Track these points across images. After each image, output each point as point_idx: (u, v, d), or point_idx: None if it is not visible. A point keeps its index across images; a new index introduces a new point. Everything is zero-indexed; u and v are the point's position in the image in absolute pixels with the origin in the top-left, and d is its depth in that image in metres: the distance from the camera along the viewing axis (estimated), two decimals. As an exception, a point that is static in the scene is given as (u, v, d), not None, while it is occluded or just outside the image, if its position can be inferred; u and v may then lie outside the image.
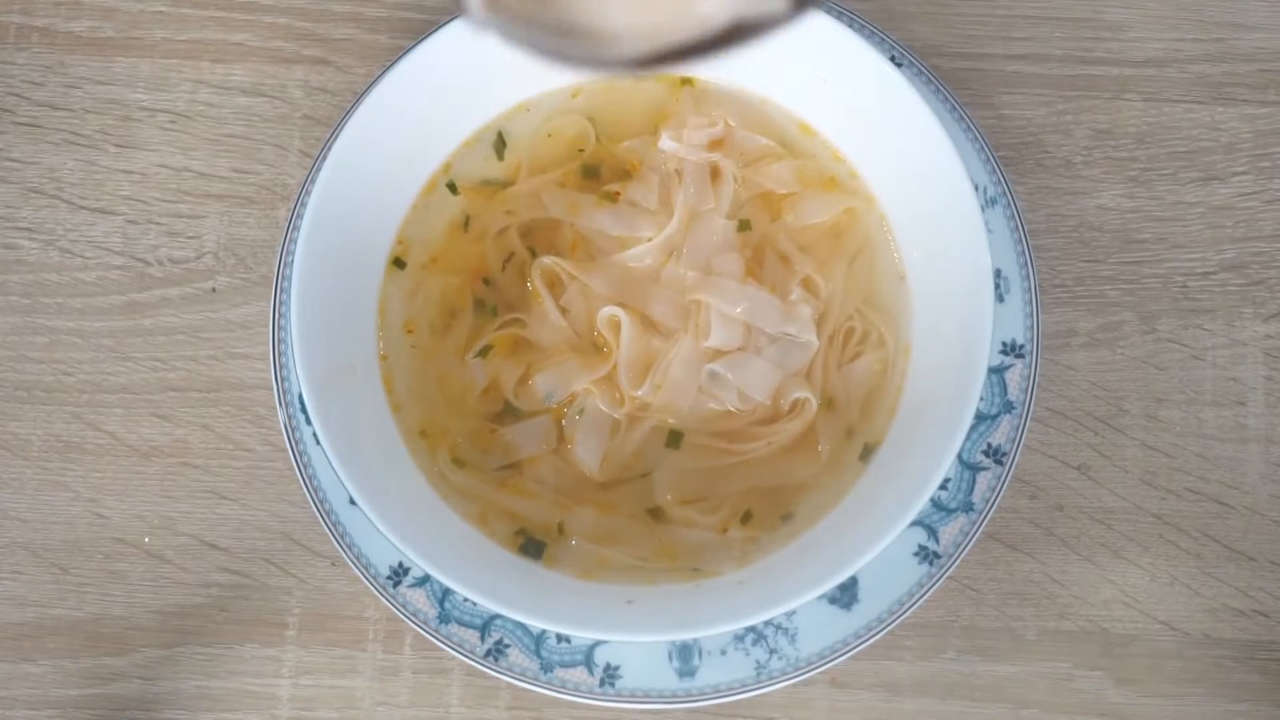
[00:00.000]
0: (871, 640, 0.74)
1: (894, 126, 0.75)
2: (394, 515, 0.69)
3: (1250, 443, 0.81)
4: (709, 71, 0.80)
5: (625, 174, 0.80)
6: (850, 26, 0.75)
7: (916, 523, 0.76)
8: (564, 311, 0.77)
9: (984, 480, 0.76)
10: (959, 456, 0.76)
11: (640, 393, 0.75)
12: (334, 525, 0.76)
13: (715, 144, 0.79)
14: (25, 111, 0.87)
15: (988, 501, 0.76)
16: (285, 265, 0.79)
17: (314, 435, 0.75)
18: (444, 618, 0.75)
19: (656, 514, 0.75)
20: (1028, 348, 0.78)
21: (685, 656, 0.75)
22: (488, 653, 0.75)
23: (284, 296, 0.78)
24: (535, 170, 0.80)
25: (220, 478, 0.82)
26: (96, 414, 0.82)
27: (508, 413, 0.77)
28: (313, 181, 0.74)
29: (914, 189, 0.75)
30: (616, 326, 0.76)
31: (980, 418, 0.77)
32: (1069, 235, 0.84)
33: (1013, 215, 0.79)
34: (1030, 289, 0.78)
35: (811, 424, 0.76)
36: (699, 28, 0.43)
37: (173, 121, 0.87)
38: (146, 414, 0.82)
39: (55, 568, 0.81)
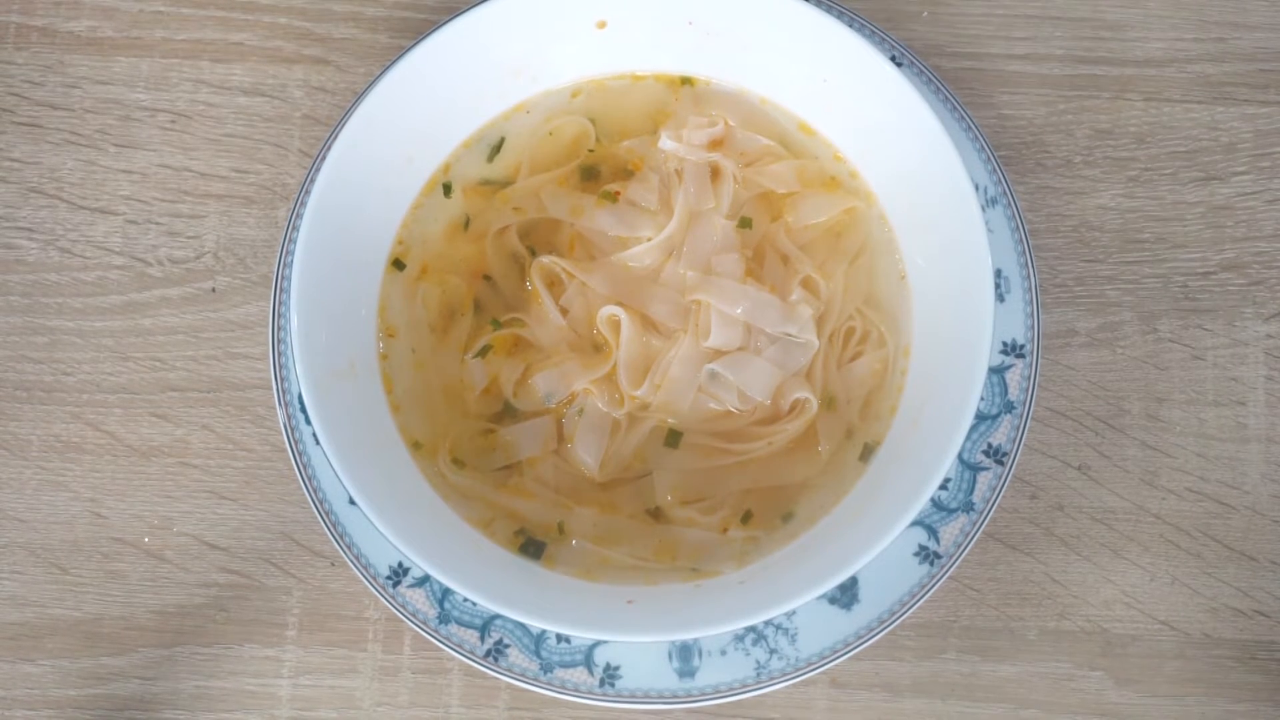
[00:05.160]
0: (871, 640, 0.74)
1: (894, 126, 0.75)
2: (393, 515, 0.69)
3: (1251, 442, 0.81)
4: (709, 71, 0.80)
5: (625, 174, 0.80)
6: (850, 26, 0.75)
7: (917, 523, 0.76)
8: (563, 311, 0.77)
9: (984, 480, 0.76)
10: (959, 456, 0.76)
11: (640, 392, 0.75)
12: (334, 525, 0.76)
13: (715, 144, 0.79)
14: (25, 111, 0.87)
15: (988, 501, 0.76)
16: (285, 265, 0.79)
17: (314, 435, 0.75)
18: (444, 618, 0.75)
19: (656, 514, 0.75)
20: (1028, 347, 0.78)
21: (685, 656, 0.75)
22: (488, 653, 0.75)
23: (284, 296, 0.78)
24: (535, 170, 0.80)
25: (220, 478, 0.82)
26: (96, 414, 0.82)
27: (507, 413, 0.77)
28: (312, 181, 0.74)
29: (914, 189, 0.75)
30: (616, 326, 0.76)
31: (980, 418, 0.77)
32: (1069, 235, 0.84)
33: (1013, 215, 0.79)
34: (1030, 289, 0.78)
35: (812, 424, 0.75)
36: None
37: (173, 121, 0.87)
38: (146, 414, 0.82)
39: (54, 568, 0.81)
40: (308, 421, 0.72)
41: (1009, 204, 0.79)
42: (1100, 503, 0.80)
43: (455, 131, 0.80)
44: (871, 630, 0.74)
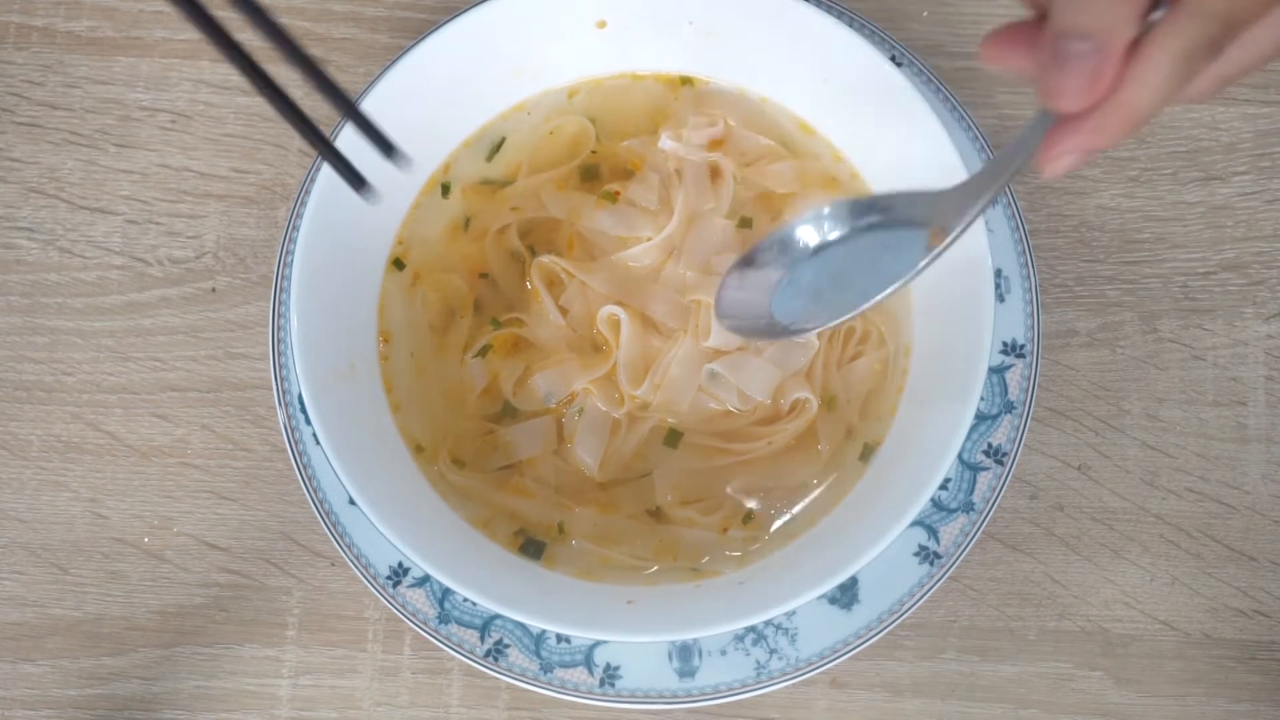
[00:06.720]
0: (871, 640, 0.74)
1: (894, 126, 0.74)
2: (393, 515, 0.69)
3: (1251, 443, 0.81)
4: (709, 71, 0.80)
5: (625, 174, 0.80)
6: (850, 26, 0.75)
7: (917, 523, 0.76)
8: (563, 311, 0.77)
9: (984, 480, 0.76)
10: (959, 456, 0.76)
11: (640, 392, 0.75)
12: (334, 525, 0.76)
13: (715, 144, 0.79)
14: (25, 111, 0.87)
15: (988, 501, 0.76)
16: (285, 265, 0.79)
17: (314, 435, 0.75)
18: (444, 618, 0.75)
19: (656, 514, 0.75)
20: (1028, 347, 0.78)
21: (685, 656, 0.75)
22: (487, 653, 0.75)
23: (284, 296, 0.78)
24: (535, 169, 0.80)
25: (220, 478, 0.82)
26: (96, 414, 0.82)
27: (507, 413, 0.77)
28: (312, 181, 0.74)
29: (914, 189, 0.75)
30: (616, 326, 0.76)
31: (980, 418, 0.77)
32: (1069, 235, 0.84)
33: (1013, 215, 0.79)
34: (1031, 289, 0.78)
35: (811, 424, 0.75)
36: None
37: (173, 121, 0.87)
38: (146, 414, 0.82)
39: (55, 568, 0.81)
40: (308, 421, 0.72)
41: (1009, 204, 0.79)
42: (1100, 503, 0.80)
43: (455, 131, 0.79)
44: (871, 630, 0.74)
